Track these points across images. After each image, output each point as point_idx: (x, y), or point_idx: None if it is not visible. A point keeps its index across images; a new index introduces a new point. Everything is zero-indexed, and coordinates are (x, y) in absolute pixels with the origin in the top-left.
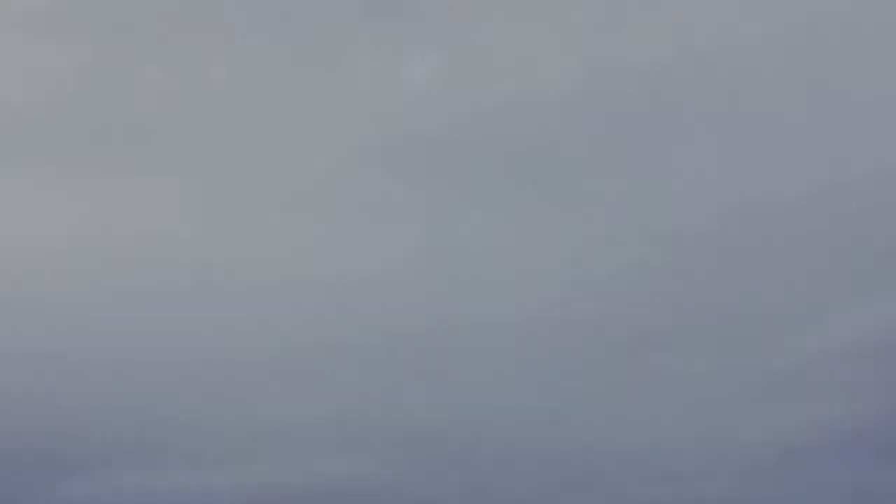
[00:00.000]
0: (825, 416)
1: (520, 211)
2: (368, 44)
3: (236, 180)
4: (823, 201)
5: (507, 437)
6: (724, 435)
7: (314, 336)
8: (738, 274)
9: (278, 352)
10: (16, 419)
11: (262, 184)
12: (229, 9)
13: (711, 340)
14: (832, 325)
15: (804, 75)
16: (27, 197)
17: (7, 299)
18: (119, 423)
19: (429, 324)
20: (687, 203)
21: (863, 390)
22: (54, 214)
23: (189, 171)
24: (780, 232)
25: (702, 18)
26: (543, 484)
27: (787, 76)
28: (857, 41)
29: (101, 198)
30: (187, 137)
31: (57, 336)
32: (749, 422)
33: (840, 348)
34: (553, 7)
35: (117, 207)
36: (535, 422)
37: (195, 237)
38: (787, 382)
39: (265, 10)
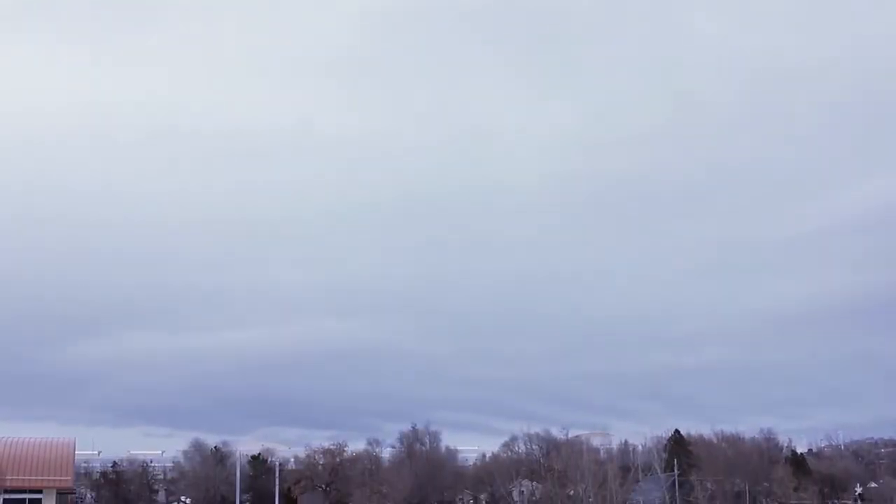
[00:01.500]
0: (827, 285)
1: (537, 76)
2: None
3: (245, 44)
4: (841, 68)
5: (511, 301)
6: (729, 301)
7: (321, 201)
8: (750, 140)
9: (285, 217)
10: (31, 282)
11: (269, 49)
12: None
13: (721, 207)
14: (840, 195)
15: None
16: (42, 59)
17: (29, 165)
18: (129, 285)
19: (440, 188)
20: (703, 68)
21: (866, 261)
22: (67, 75)
23: (196, 38)
24: (796, 98)
25: None
26: (548, 347)
27: None
28: None
29: (108, 59)
30: (198, 8)
31: (70, 201)
32: (754, 288)
33: (846, 219)
34: None
35: (124, 68)
36: (541, 285)
37: (202, 102)
38: (792, 251)
39: None
